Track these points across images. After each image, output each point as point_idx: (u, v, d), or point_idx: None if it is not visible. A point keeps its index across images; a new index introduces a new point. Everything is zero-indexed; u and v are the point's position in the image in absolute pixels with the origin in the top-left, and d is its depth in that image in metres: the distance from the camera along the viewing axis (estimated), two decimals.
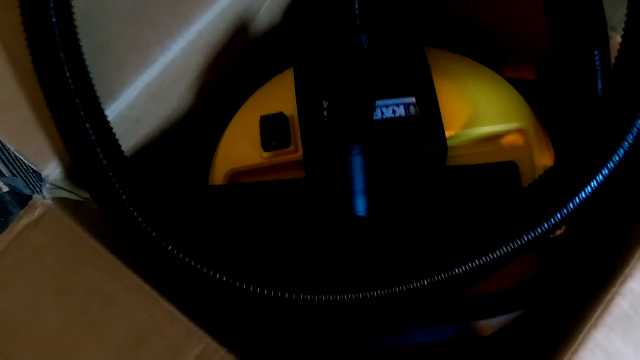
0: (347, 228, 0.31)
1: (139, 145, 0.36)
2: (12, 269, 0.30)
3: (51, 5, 0.29)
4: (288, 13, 0.40)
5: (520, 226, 0.27)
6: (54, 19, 0.29)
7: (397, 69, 0.34)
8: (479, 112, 0.33)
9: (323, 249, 0.32)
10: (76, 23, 0.30)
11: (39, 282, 0.29)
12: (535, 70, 0.40)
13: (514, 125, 0.33)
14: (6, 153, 0.43)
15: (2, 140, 0.31)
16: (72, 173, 0.32)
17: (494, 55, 0.41)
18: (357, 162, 0.30)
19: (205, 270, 0.28)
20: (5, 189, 0.50)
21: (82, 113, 0.29)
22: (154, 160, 0.37)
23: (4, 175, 0.45)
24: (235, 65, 0.39)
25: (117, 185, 0.29)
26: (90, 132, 0.30)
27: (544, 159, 0.33)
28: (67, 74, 0.29)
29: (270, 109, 0.35)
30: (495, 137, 0.34)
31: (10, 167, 0.45)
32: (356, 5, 0.35)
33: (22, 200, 0.59)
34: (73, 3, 0.30)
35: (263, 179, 0.35)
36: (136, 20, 0.33)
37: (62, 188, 0.32)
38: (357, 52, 0.34)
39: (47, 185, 0.31)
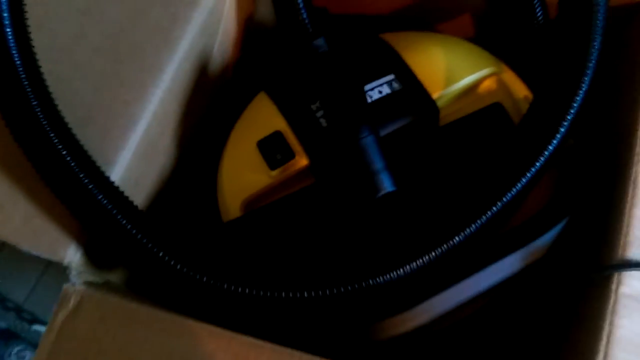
0: (379, 207, 0.32)
1: (143, 208, 0.35)
2: None
3: (31, 95, 0.28)
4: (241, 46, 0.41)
5: (536, 147, 0.29)
6: (34, 102, 0.29)
7: (365, 57, 0.36)
8: (451, 70, 0.35)
9: (358, 239, 0.33)
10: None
11: None
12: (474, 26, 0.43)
13: (485, 71, 0.36)
14: None
15: (10, 241, 0.30)
16: (90, 253, 0.31)
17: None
18: (370, 142, 0.31)
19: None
20: None
21: (90, 185, 0.29)
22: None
23: None
24: (208, 106, 0.40)
25: (145, 240, 0.29)
26: (101, 197, 0.29)
27: (521, 91, 0.36)
28: (64, 152, 0.29)
29: (260, 133, 0.35)
30: (473, 88, 0.36)
31: None
32: (304, 15, 0.37)
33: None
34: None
35: (277, 197, 0.35)
36: (109, 85, 0.32)
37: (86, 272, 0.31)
38: (323, 53, 0.36)
39: (74, 272, 0.30)
